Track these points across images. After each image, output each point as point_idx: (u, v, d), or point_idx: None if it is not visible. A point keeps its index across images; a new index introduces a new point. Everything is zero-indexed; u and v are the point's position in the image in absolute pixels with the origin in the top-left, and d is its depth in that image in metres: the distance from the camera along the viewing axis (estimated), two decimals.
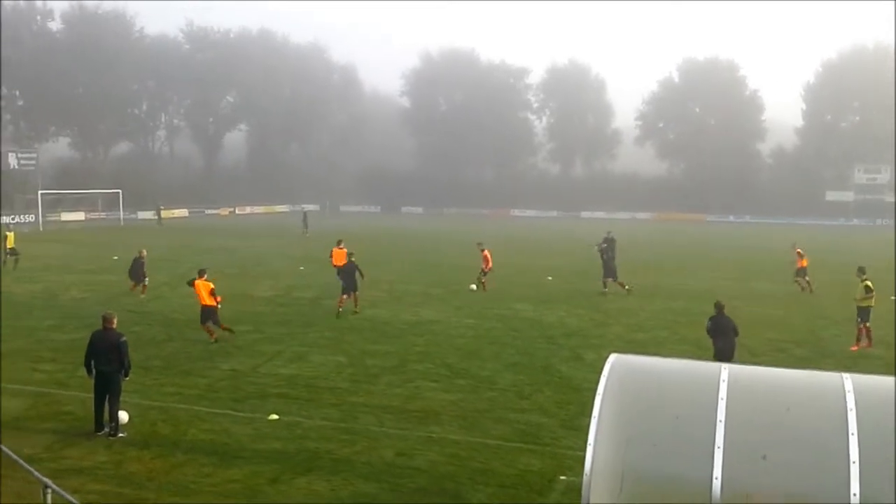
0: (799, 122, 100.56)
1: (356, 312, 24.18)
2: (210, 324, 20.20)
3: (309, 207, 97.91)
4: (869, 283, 20.45)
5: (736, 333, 15.89)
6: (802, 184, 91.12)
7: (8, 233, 35.76)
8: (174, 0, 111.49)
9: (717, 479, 7.29)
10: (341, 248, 28.23)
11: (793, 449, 7.53)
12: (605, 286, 29.69)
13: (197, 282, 20.43)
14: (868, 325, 20.22)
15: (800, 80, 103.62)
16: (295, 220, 78.18)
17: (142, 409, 14.12)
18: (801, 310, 26.45)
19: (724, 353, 15.44)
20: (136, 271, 27.87)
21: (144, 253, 28.39)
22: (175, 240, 52.86)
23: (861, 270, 21.34)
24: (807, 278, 30.64)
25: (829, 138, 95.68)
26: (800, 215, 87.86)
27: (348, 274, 24.53)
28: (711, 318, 16.17)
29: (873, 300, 20.33)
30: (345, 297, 24.26)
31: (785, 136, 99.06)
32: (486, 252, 30.07)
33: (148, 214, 75.71)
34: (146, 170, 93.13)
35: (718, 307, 16.15)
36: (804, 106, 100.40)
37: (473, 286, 29.79)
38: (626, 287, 29.31)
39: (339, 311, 24.09)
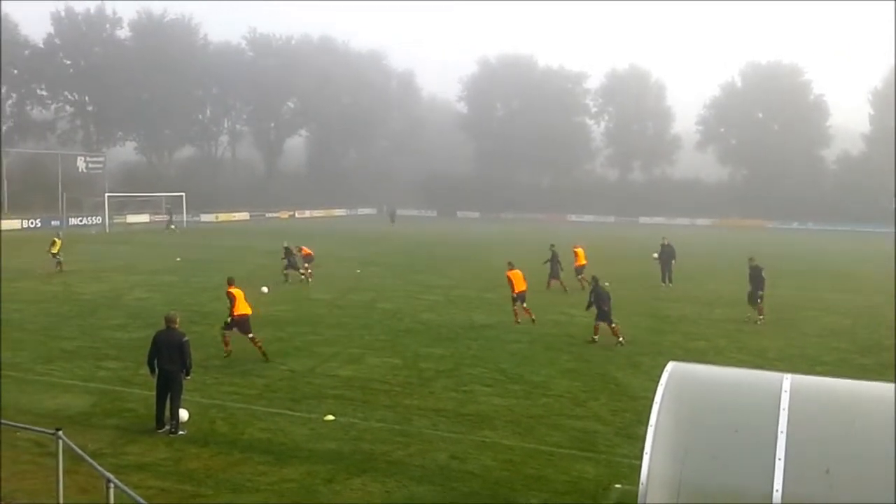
0: (866, 127, 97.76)
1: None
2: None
3: (365, 211, 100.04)
4: None
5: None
6: (868, 191, 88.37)
7: (56, 239, 35.63)
8: (238, 0, 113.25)
9: (777, 491, 7.11)
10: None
11: (858, 462, 7.30)
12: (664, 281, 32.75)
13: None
14: None
15: (867, 85, 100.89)
16: (353, 225, 79.31)
17: (201, 408, 14.40)
18: (867, 321, 25.65)
19: (605, 316, 20.83)
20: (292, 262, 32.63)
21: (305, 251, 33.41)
22: (229, 242, 53.79)
23: None
24: (580, 276, 30.56)
25: None
26: (864, 222, 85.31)
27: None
28: (592, 290, 21.39)
29: None
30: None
31: (851, 142, 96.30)
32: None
33: (210, 217, 76.49)
34: (209, 174, 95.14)
35: (594, 279, 21.67)
36: (871, 111, 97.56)
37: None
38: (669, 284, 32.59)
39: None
